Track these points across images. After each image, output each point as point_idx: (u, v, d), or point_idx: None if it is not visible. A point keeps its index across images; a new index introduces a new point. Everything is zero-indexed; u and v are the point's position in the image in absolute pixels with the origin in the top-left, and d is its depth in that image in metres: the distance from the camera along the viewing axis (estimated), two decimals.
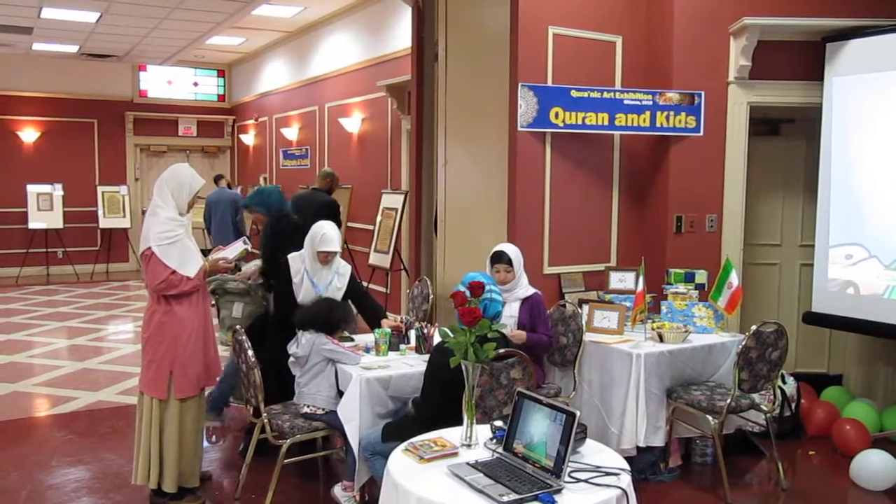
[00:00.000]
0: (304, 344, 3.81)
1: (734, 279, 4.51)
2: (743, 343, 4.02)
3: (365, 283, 4.56)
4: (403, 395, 3.67)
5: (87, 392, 5.96)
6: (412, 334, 4.11)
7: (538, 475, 2.37)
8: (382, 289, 8.07)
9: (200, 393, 3.82)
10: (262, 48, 12.49)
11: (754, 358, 4.05)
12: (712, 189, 5.34)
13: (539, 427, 2.46)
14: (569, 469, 2.37)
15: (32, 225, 12.14)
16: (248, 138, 13.62)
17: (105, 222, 12.74)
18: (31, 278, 12.13)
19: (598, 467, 2.46)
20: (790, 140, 5.80)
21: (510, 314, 4.08)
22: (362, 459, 3.53)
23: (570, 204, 5.25)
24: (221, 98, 14.52)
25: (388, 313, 4.36)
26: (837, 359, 5.71)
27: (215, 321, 4.17)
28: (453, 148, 5.39)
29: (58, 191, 12.32)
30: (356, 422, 3.56)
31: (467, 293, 2.84)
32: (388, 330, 4.07)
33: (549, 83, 5.07)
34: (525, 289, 4.22)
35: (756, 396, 4.27)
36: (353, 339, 4.22)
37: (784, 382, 4.95)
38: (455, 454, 2.58)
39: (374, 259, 8.02)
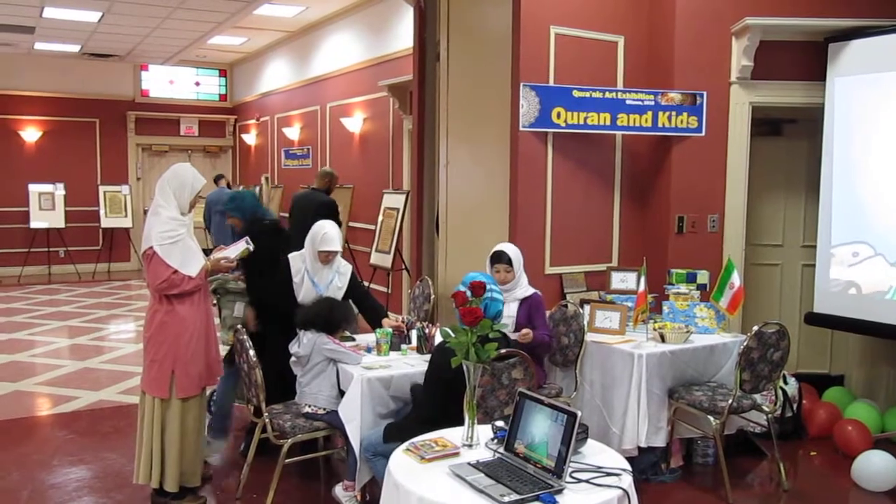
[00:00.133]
0: (305, 343, 3.81)
1: (736, 279, 4.50)
2: (744, 343, 4.02)
3: (366, 283, 4.56)
4: (405, 395, 3.67)
5: (88, 391, 5.97)
6: (413, 334, 4.11)
7: (539, 475, 2.37)
8: (384, 289, 8.07)
9: (202, 392, 3.82)
10: (263, 48, 12.50)
11: (756, 358, 4.05)
12: (714, 189, 5.33)
13: (540, 427, 2.45)
14: (570, 469, 2.37)
15: (34, 224, 12.15)
16: (250, 138, 13.63)
17: (107, 222, 12.75)
18: (33, 278, 12.15)
19: (600, 468, 2.46)
20: (792, 140, 5.80)
21: (508, 314, 4.07)
22: (363, 459, 3.53)
23: (572, 204, 5.24)
24: (223, 98, 14.53)
25: (388, 313, 4.36)
26: (839, 359, 5.70)
27: (217, 321, 4.18)
28: (455, 148, 5.39)
29: (59, 190, 12.33)
30: (357, 422, 3.56)
31: (468, 293, 2.84)
32: (390, 330, 4.07)
33: (551, 83, 5.07)
34: (524, 289, 4.21)
35: (758, 397, 4.26)
36: (354, 339, 4.22)
37: (786, 383, 4.94)
38: (456, 454, 2.58)
39: (376, 259, 8.02)
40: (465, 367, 2.67)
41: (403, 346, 4.07)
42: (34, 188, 12.20)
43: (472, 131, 5.37)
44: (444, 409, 3.17)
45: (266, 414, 3.75)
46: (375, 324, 4.23)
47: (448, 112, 5.40)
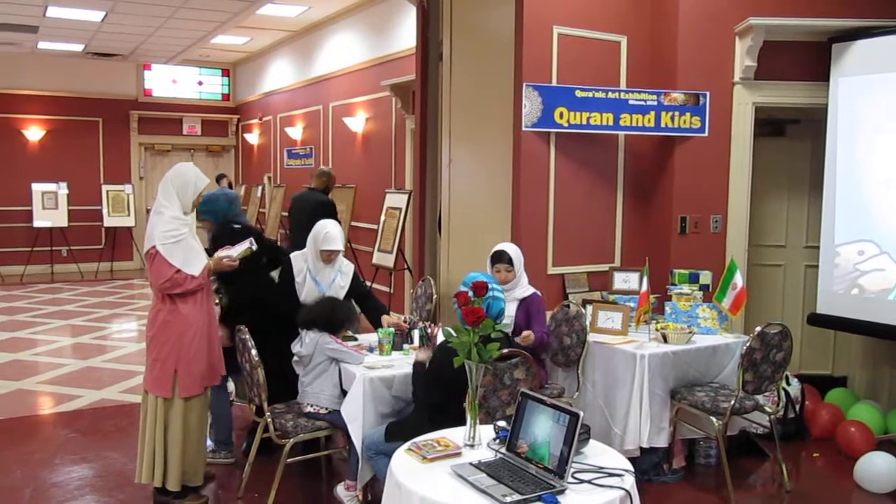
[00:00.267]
0: (307, 343, 3.81)
1: (738, 280, 4.50)
2: (747, 344, 4.01)
3: (368, 283, 4.55)
4: (407, 394, 3.66)
5: (90, 390, 5.98)
6: (416, 334, 4.11)
7: (541, 476, 2.37)
8: (386, 288, 8.07)
9: (204, 391, 3.81)
10: (266, 47, 12.51)
11: (758, 359, 4.04)
12: (717, 190, 5.33)
13: (542, 428, 2.45)
14: (572, 470, 2.36)
15: (37, 223, 12.17)
16: (253, 137, 13.64)
17: (109, 221, 12.77)
18: (36, 276, 12.16)
19: (602, 468, 2.46)
20: (795, 141, 5.79)
21: (507, 314, 4.06)
22: (365, 459, 3.53)
23: (575, 204, 5.24)
24: (226, 97, 14.54)
25: (390, 312, 4.35)
26: (842, 360, 5.69)
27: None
28: (457, 147, 5.39)
29: (62, 189, 12.36)
30: (359, 421, 3.56)
31: (470, 293, 2.84)
32: (392, 330, 4.07)
33: (554, 83, 5.06)
34: (524, 289, 4.20)
35: (760, 398, 4.26)
36: (356, 339, 4.22)
37: (788, 384, 4.94)
38: (458, 454, 2.58)
39: (378, 258, 8.02)
40: (467, 368, 2.67)
41: (406, 346, 4.07)
42: (37, 187, 12.23)
43: (474, 131, 5.37)
44: (444, 406, 3.17)
45: (268, 413, 3.75)
46: (377, 323, 4.24)
47: (451, 112, 5.40)
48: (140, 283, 11.65)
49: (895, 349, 5.20)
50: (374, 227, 8.35)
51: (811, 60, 5.20)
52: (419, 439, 2.68)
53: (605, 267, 5.32)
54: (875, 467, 4.22)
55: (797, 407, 4.99)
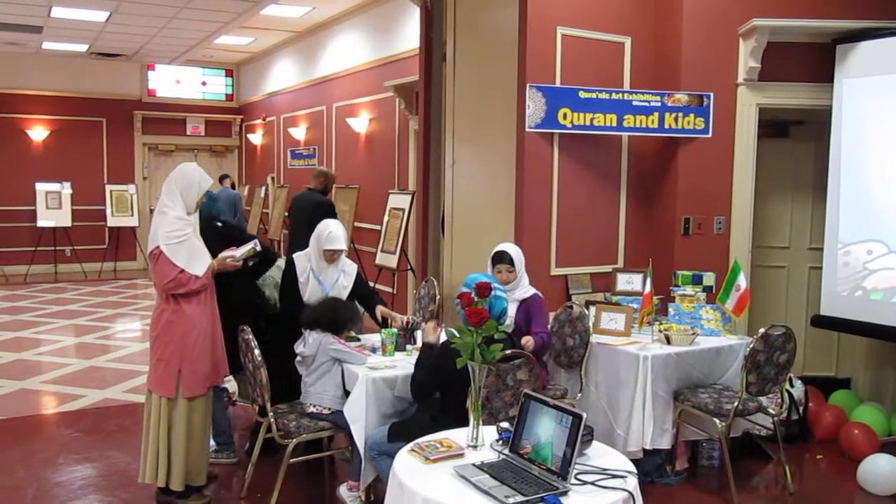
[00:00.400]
0: (310, 343, 3.81)
1: (742, 282, 4.49)
2: (751, 346, 4.00)
3: (372, 283, 4.56)
4: (409, 395, 3.66)
5: (94, 390, 5.98)
6: (419, 334, 4.11)
7: (544, 477, 2.36)
8: (389, 289, 8.07)
9: (208, 391, 3.82)
10: (270, 48, 12.52)
11: (762, 361, 4.03)
12: (720, 191, 5.32)
13: (545, 429, 2.45)
14: (575, 471, 2.36)
15: (41, 223, 12.20)
16: (256, 138, 13.66)
17: (113, 221, 12.79)
18: (40, 276, 12.19)
19: (605, 469, 2.46)
20: (799, 142, 5.78)
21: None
22: (368, 459, 3.53)
23: (578, 205, 5.24)
24: (229, 97, 14.56)
25: (395, 314, 4.34)
26: (846, 362, 5.68)
27: None
28: (461, 148, 5.39)
29: (66, 189, 12.38)
30: (362, 421, 3.56)
31: (474, 294, 2.84)
32: (395, 330, 4.07)
33: (558, 84, 5.06)
34: (524, 289, 4.19)
35: (763, 400, 4.25)
36: (359, 339, 4.22)
37: (792, 386, 4.93)
38: (461, 455, 2.58)
39: (381, 259, 8.02)
40: (470, 369, 2.67)
41: (409, 347, 4.07)
42: (41, 187, 12.26)
43: (478, 132, 5.37)
44: (447, 407, 3.17)
45: (271, 413, 3.75)
46: (377, 318, 4.29)
47: (454, 112, 5.40)
48: (143, 283, 11.66)
49: None
50: (378, 227, 8.36)
51: (815, 62, 5.19)
52: (422, 440, 2.68)
53: (608, 268, 5.31)
54: (878, 469, 4.21)
55: (801, 409, 4.99)
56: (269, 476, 3.95)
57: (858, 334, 5.21)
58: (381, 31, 8.98)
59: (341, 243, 4.17)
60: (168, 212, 3.64)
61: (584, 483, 2.36)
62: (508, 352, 3.22)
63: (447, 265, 5.46)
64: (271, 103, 12.93)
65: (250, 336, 3.78)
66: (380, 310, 4.28)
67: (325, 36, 10.61)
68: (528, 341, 3.93)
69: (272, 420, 3.75)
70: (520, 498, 2.23)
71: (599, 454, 2.63)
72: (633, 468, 2.50)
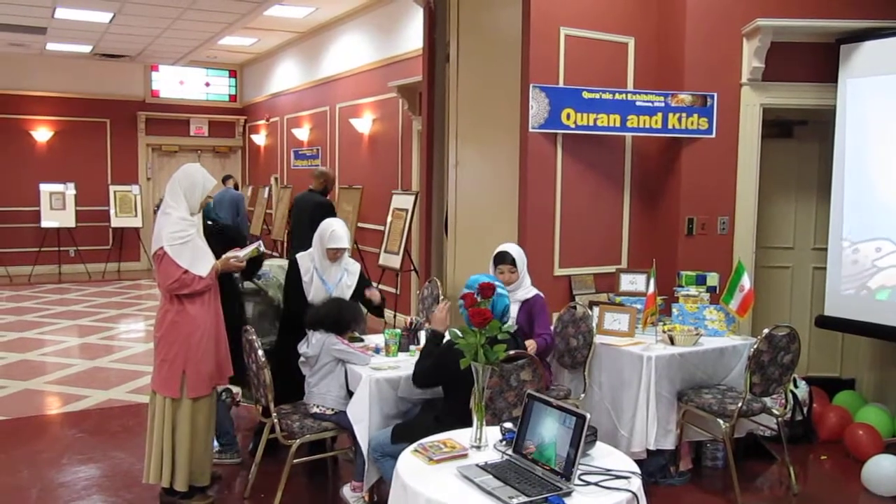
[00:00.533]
0: (314, 344, 3.82)
1: (746, 282, 4.48)
2: (755, 346, 3.99)
3: (375, 284, 4.56)
4: (413, 396, 3.66)
5: (98, 390, 5.99)
6: (422, 335, 4.11)
7: (548, 477, 2.36)
8: (392, 289, 8.07)
9: (212, 392, 3.83)
10: (273, 49, 12.53)
11: (766, 361, 4.02)
12: (724, 191, 5.31)
13: (549, 429, 2.45)
14: (578, 472, 2.36)
15: (45, 224, 12.22)
16: (259, 138, 13.67)
17: (117, 221, 12.81)
18: (44, 277, 12.21)
19: (608, 470, 2.45)
20: (803, 142, 5.77)
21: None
22: (371, 460, 3.53)
23: (581, 205, 5.23)
24: (233, 98, 14.58)
25: (396, 313, 4.35)
26: (850, 363, 5.67)
27: None
28: (464, 149, 5.39)
29: (70, 190, 12.40)
30: (365, 422, 3.56)
31: (477, 295, 2.84)
32: (399, 331, 4.07)
33: (561, 84, 5.06)
34: (526, 290, 4.19)
35: (767, 400, 4.25)
36: (363, 340, 4.22)
37: (796, 386, 4.92)
38: (464, 456, 2.58)
39: (385, 260, 8.02)
40: (473, 369, 2.67)
41: (412, 347, 4.07)
42: (45, 188, 12.28)
43: (481, 132, 5.37)
44: (450, 408, 3.17)
45: (274, 414, 3.76)
46: (370, 308, 4.35)
47: (457, 113, 5.40)
48: (147, 284, 11.68)
49: None
50: (381, 228, 8.36)
51: (819, 62, 5.18)
52: (425, 441, 2.68)
53: (611, 268, 5.31)
54: (883, 470, 4.20)
55: (805, 409, 4.98)
56: (272, 477, 3.95)
57: (863, 335, 5.20)
58: (384, 31, 8.99)
59: (344, 242, 4.18)
60: (172, 212, 3.65)
61: (588, 484, 2.35)
62: (512, 352, 3.21)
63: (450, 266, 5.46)
64: (275, 104, 12.94)
65: (254, 337, 3.79)
66: (368, 291, 4.31)
67: (329, 37, 10.61)
68: (530, 345, 3.93)
69: (276, 420, 3.76)
70: (523, 498, 2.23)
71: (603, 455, 2.63)
72: (636, 469, 2.50)
